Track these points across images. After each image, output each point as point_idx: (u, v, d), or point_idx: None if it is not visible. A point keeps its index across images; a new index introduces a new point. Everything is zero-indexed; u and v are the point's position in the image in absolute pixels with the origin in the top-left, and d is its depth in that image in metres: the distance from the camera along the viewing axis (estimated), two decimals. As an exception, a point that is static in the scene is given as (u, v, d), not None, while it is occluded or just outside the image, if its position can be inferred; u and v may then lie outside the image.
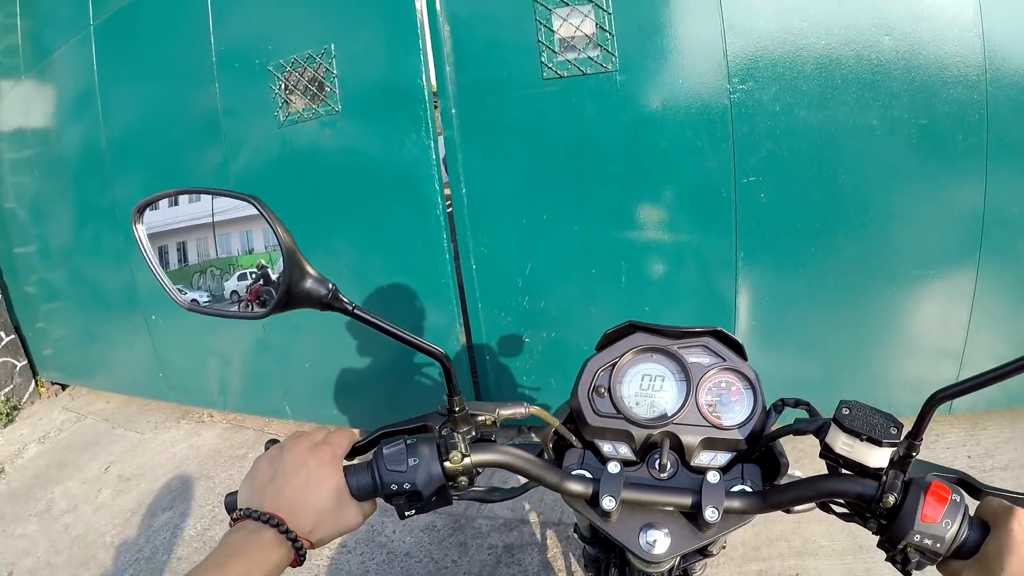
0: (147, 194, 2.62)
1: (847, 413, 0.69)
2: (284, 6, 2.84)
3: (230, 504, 0.75)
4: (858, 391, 2.59)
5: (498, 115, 2.61)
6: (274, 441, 0.78)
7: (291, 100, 2.92)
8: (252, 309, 0.78)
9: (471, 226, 2.74)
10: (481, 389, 2.99)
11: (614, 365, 0.88)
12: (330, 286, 0.71)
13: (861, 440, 0.67)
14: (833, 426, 0.70)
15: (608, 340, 0.90)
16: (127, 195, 3.57)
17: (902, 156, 2.33)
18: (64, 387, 5.08)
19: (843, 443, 0.69)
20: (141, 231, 0.79)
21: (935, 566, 0.66)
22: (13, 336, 4.76)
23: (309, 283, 0.70)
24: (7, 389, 4.66)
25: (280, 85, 2.89)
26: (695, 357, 0.87)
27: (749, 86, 2.33)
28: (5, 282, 4.78)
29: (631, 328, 0.90)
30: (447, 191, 2.77)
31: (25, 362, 4.85)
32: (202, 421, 4.09)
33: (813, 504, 0.77)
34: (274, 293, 0.74)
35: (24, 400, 4.80)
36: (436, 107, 2.72)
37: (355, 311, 0.72)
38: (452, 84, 2.64)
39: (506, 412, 0.81)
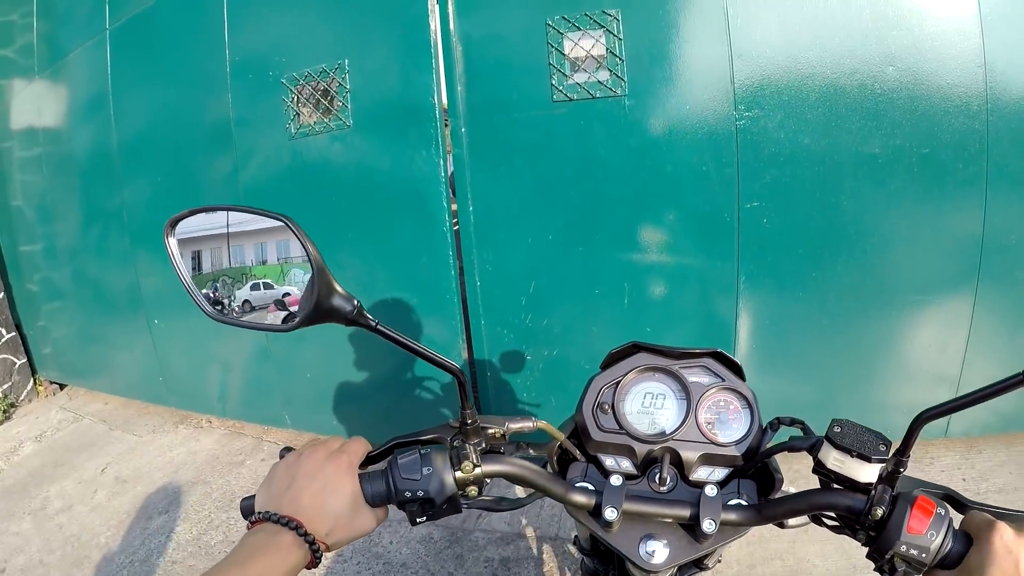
0: (155, 199, 3.14)
1: (839, 431, 0.73)
2: (300, 20, 2.88)
3: (247, 508, 0.77)
4: (855, 414, 2.55)
5: (507, 135, 2.65)
6: (289, 449, 0.80)
7: (303, 112, 2.96)
8: (278, 322, 0.80)
9: (477, 243, 2.78)
10: (482, 404, 3.00)
11: (618, 383, 0.91)
12: (355, 303, 0.75)
13: (852, 456, 0.71)
14: (825, 443, 0.73)
15: (612, 359, 0.94)
16: (136, 198, 3.61)
17: (903, 184, 2.37)
18: (62, 387, 5.10)
19: (835, 459, 0.72)
20: (173, 244, 0.81)
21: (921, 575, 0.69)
22: (14, 333, 4.79)
23: (336, 300, 0.73)
24: (5, 386, 4.68)
25: (293, 97, 2.93)
26: (695, 377, 0.90)
27: (755, 113, 2.38)
28: (8, 280, 4.81)
29: (635, 348, 0.93)
30: (454, 208, 2.80)
31: (24, 360, 4.87)
32: (200, 427, 4.09)
33: (806, 518, 0.80)
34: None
35: (21, 398, 4.82)
36: (446, 125, 2.77)
37: (378, 327, 0.75)
38: (463, 103, 2.69)
39: (515, 425, 0.84)
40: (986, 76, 2.26)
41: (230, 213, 0.81)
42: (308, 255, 0.72)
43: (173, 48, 3.28)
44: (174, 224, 0.81)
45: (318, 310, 0.73)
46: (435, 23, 2.63)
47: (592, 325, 2.74)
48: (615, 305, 2.68)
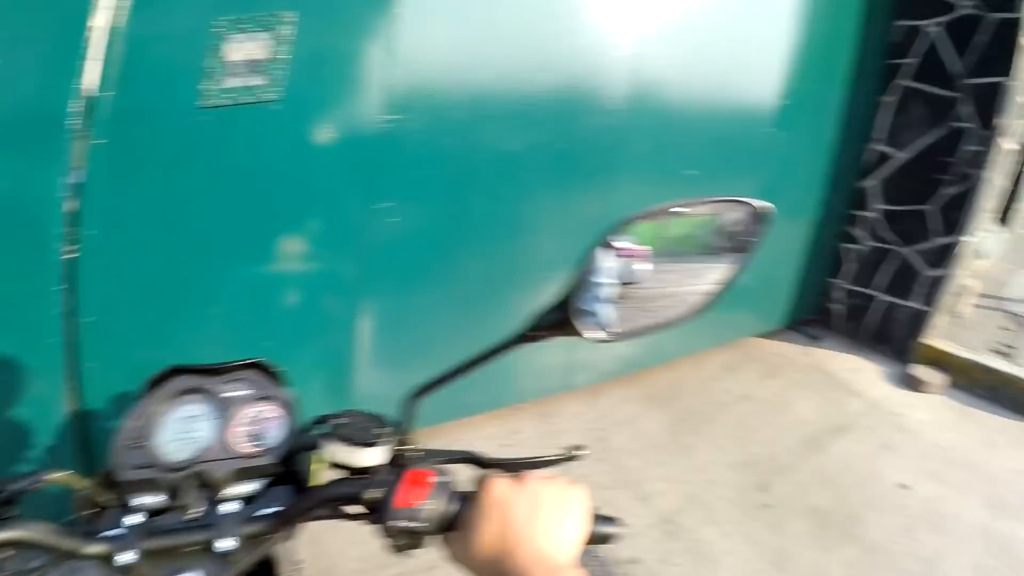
0: None
1: (341, 423, 0.77)
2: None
3: None
4: (466, 396, 2.78)
5: (148, 146, 2.29)
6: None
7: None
8: None
9: (96, 273, 2.32)
10: (94, 457, 2.48)
11: (152, 414, 0.86)
12: None
13: (354, 445, 0.75)
14: (328, 439, 0.77)
15: (150, 388, 0.90)
16: None
17: (537, 176, 2.46)
18: None
19: (338, 451, 0.76)
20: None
21: (441, 542, 0.70)
22: None
23: None
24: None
25: None
26: (233, 391, 0.88)
27: (403, 117, 2.27)
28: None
29: (173, 372, 0.90)
30: (74, 234, 2.32)
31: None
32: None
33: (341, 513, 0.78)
34: None
35: None
36: (82, 138, 2.29)
37: None
38: (108, 112, 2.28)
39: (17, 486, 0.74)
40: (632, 81, 2.43)
41: None
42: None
43: None
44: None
45: None
46: (97, 21, 2.24)
47: (211, 348, 2.35)
48: (236, 324, 2.37)
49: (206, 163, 2.29)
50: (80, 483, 0.79)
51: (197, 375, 0.90)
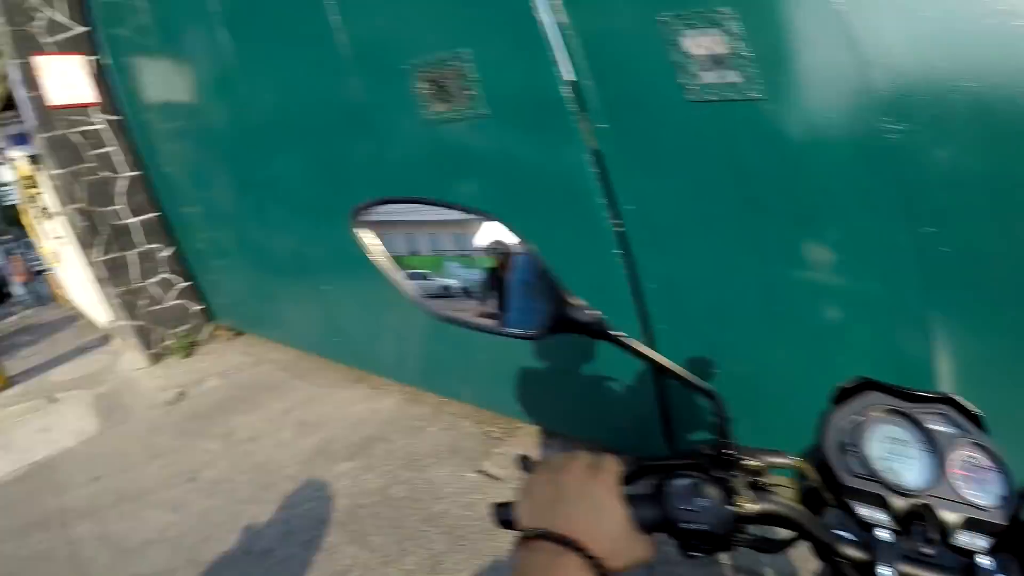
0: (300, 172, 3.80)
1: None
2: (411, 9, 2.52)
3: (505, 518, 0.73)
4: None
5: (648, 134, 2.16)
6: (527, 458, 0.78)
7: (435, 98, 2.66)
8: (512, 328, 0.80)
9: (642, 245, 2.31)
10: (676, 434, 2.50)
11: (858, 424, 0.78)
12: (597, 314, 0.75)
13: None
14: None
15: (843, 395, 0.81)
16: (284, 170, 3.61)
17: None
18: (240, 334, 5.37)
19: None
20: (362, 231, 0.81)
21: None
22: (188, 283, 5.37)
23: (574, 311, 0.75)
24: (185, 327, 5.31)
25: (423, 84, 2.63)
26: (937, 425, 0.77)
27: (906, 127, 1.67)
28: (176, 236, 5.12)
29: (866, 384, 0.81)
30: (615, 207, 2.30)
31: (202, 307, 5.46)
32: (378, 388, 3.91)
33: None
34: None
35: (201, 339, 5.28)
36: (584, 121, 2.29)
37: (626, 341, 0.75)
38: (595, 98, 2.20)
39: (773, 460, 0.78)
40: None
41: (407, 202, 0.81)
42: (532, 258, 0.75)
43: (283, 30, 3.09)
44: (360, 212, 0.81)
45: (559, 320, 0.75)
46: (544, 16, 2.16)
47: (777, 347, 2.19)
48: (797, 326, 2.12)
49: (712, 157, 2.02)
50: (813, 475, 0.76)
51: (891, 395, 0.79)
